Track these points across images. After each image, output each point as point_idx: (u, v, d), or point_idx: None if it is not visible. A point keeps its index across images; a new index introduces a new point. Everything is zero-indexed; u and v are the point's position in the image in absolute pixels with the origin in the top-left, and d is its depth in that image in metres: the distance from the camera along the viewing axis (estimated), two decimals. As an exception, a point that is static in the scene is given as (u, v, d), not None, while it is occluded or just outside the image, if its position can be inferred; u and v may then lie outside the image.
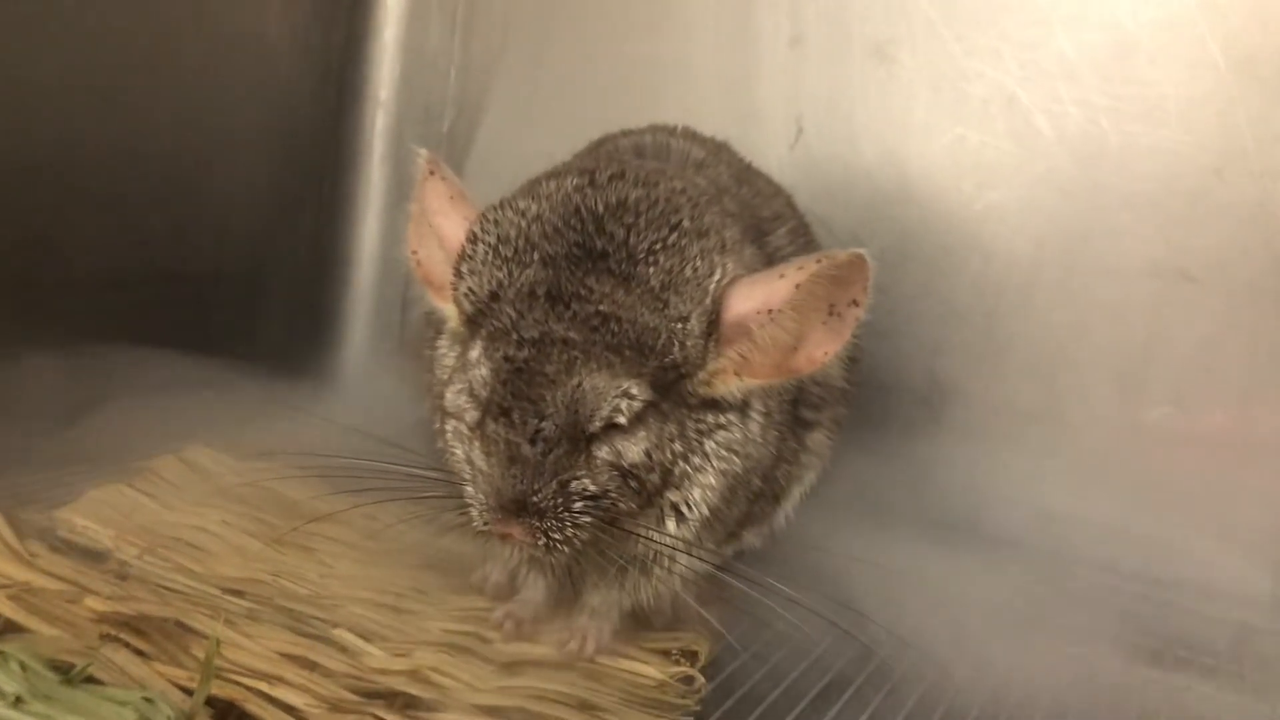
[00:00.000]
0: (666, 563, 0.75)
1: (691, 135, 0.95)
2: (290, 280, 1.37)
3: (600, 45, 1.30)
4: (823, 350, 0.69)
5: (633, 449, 0.68)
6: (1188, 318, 1.06)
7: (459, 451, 0.72)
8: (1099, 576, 1.07)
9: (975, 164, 1.13)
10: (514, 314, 0.68)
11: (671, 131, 0.94)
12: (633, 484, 0.69)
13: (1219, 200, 1.04)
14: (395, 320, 1.44)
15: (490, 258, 0.70)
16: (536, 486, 0.66)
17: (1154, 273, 1.07)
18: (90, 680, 0.64)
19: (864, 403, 1.03)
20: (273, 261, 1.35)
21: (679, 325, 0.67)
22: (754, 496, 0.81)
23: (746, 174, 0.95)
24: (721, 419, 0.72)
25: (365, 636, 0.77)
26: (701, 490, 0.73)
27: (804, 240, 0.94)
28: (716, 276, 0.69)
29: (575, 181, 0.72)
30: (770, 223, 0.89)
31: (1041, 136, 1.10)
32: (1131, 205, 1.07)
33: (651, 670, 0.79)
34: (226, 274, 1.28)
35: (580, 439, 0.67)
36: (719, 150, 0.95)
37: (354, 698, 0.69)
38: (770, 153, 1.17)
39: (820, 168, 1.18)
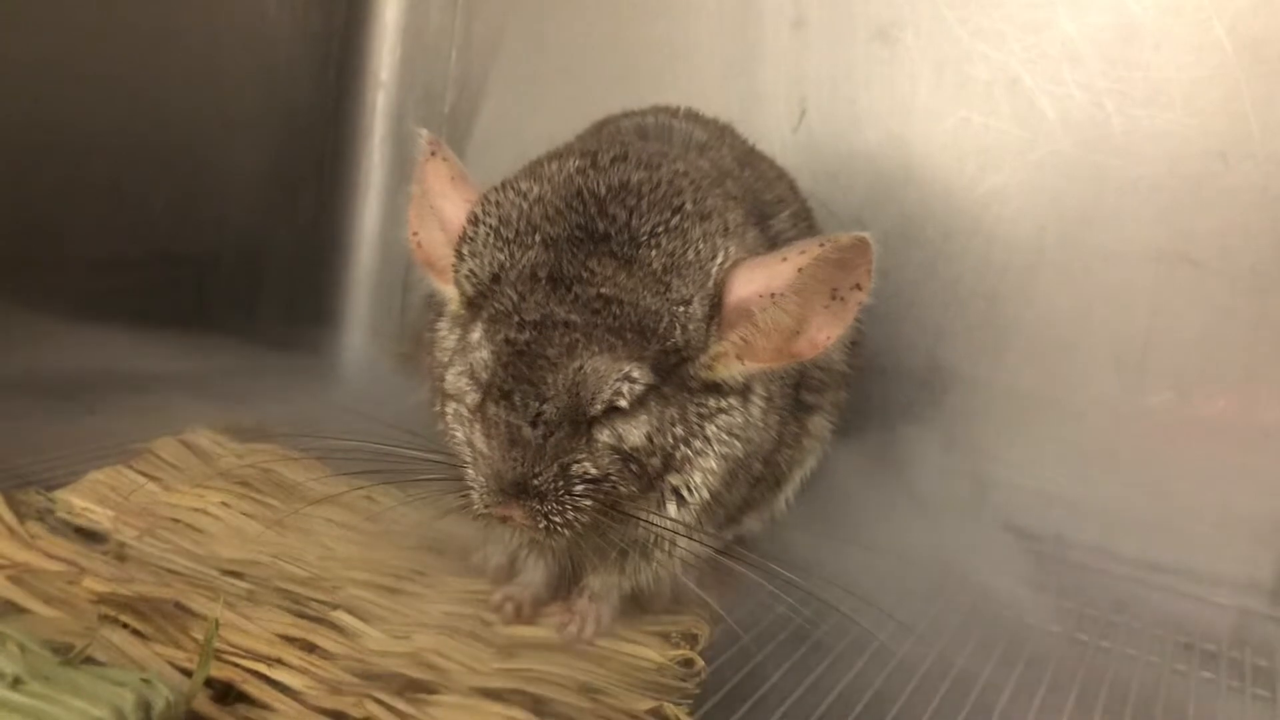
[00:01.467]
0: (667, 546, 0.75)
1: (694, 117, 0.94)
2: (290, 262, 1.37)
3: (602, 26, 1.30)
4: (825, 334, 0.69)
5: (634, 432, 0.68)
6: (1190, 302, 1.06)
7: (459, 434, 0.71)
8: (1100, 561, 1.07)
9: (978, 147, 1.12)
10: (515, 296, 0.67)
11: (674, 113, 0.93)
12: (633, 467, 0.68)
13: (1223, 184, 1.04)
14: (395, 302, 1.43)
15: (491, 240, 0.69)
16: (537, 469, 0.65)
17: (1157, 257, 1.07)
18: (89, 661, 0.64)
19: (865, 386, 1.03)
20: (273, 243, 1.34)
21: (681, 308, 0.67)
22: (755, 481, 0.81)
23: (749, 157, 0.95)
24: (723, 403, 0.72)
25: (364, 619, 0.77)
26: (702, 474, 0.72)
27: (806, 225, 0.94)
28: (719, 260, 0.68)
29: (577, 163, 0.71)
30: (773, 206, 0.88)
31: (1045, 119, 1.10)
32: (1135, 189, 1.07)
33: (651, 653, 0.79)
34: (227, 255, 1.28)
35: (581, 422, 0.66)
36: (722, 133, 0.94)
37: (353, 680, 0.69)
38: (773, 135, 1.17)
39: (823, 150, 1.18)
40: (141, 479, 0.92)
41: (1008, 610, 0.96)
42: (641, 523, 0.72)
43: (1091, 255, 1.09)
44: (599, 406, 0.66)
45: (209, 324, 1.18)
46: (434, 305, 0.82)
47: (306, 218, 1.39)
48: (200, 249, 1.25)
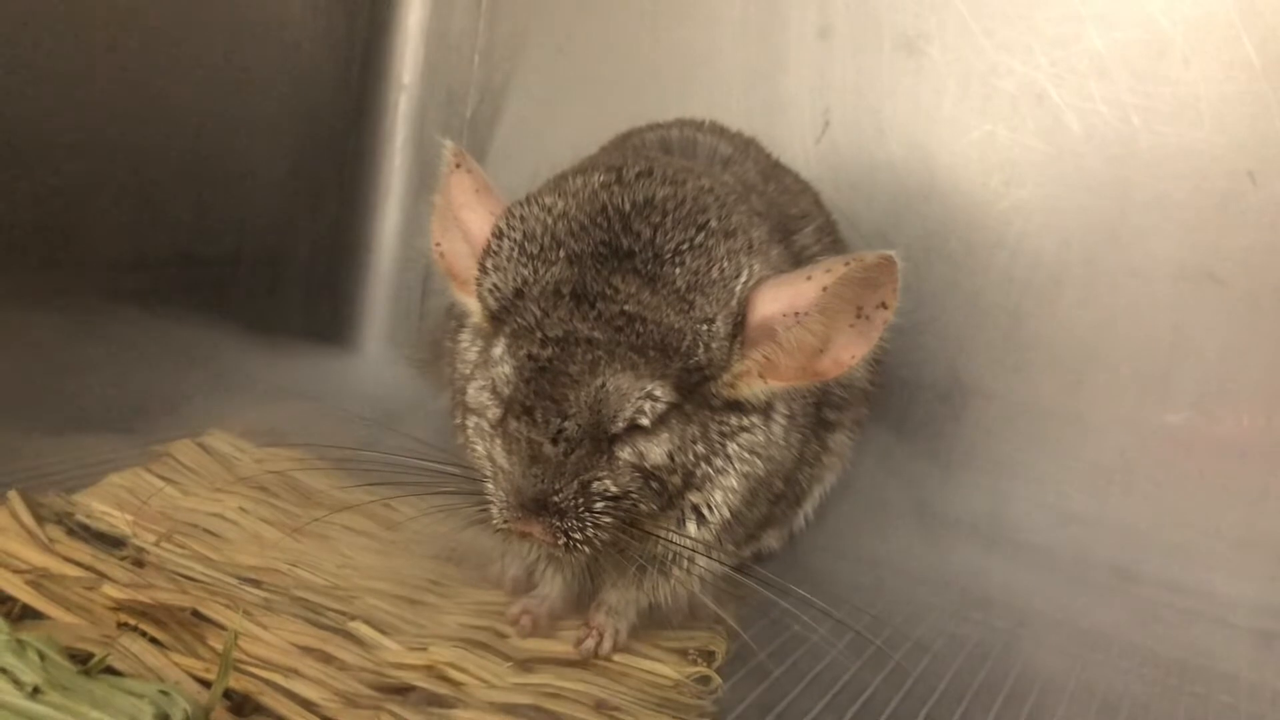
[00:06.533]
0: (686, 563, 0.75)
1: (719, 130, 0.94)
2: (310, 265, 1.37)
3: (626, 33, 1.29)
4: (850, 354, 0.69)
5: (655, 450, 0.67)
6: (1213, 320, 1.05)
7: (480, 448, 0.71)
8: (1119, 581, 1.06)
9: (1003, 161, 1.12)
10: (538, 312, 0.67)
11: (699, 126, 0.93)
12: (654, 485, 0.68)
13: (1250, 203, 1.03)
14: (415, 307, 1.43)
15: (515, 254, 0.69)
16: (558, 486, 0.65)
17: (1181, 274, 1.06)
18: (108, 671, 0.64)
19: (885, 399, 1.02)
20: (293, 246, 1.34)
21: (704, 327, 0.66)
22: (775, 499, 0.80)
23: (774, 171, 0.94)
24: (745, 421, 0.72)
25: (382, 629, 0.77)
26: (723, 492, 0.72)
27: (830, 239, 0.93)
28: (743, 278, 0.68)
29: (602, 178, 0.71)
30: (797, 221, 0.88)
31: (1071, 134, 1.09)
32: (1160, 206, 1.06)
33: (668, 670, 0.79)
34: (246, 258, 1.28)
35: (603, 439, 0.66)
36: (746, 146, 0.94)
37: (370, 692, 0.69)
38: (796, 145, 1.17)
39: (847, 162, 1.17)
40: (160, 482, 0.92)
41: (1024, 628, 0.96)
42: (661, 540, 0.71)
43: (1115, 271, 1.08)
44: (621, 424, 0.66)
45: (228, 326, 1.18)
46: (456, 316, 0.82)
47: (327, 221, 1.38)
48: (220, 251, 1.25)
